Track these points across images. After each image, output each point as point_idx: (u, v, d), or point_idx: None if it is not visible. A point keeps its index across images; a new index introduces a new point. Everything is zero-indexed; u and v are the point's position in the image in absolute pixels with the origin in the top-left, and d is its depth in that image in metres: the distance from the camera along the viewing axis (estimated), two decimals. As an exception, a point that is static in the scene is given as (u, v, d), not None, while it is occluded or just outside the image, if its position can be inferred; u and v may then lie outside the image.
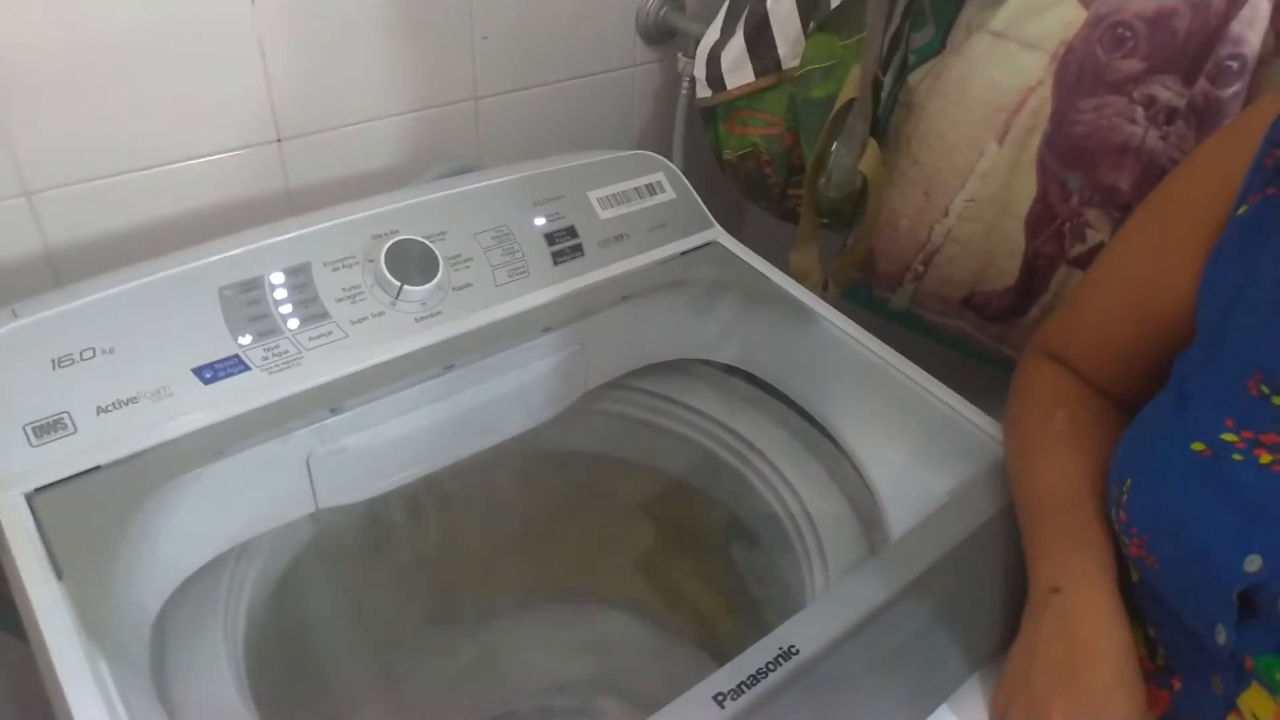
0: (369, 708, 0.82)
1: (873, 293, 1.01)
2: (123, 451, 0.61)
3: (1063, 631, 0.54)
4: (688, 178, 0.92)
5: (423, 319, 0.73)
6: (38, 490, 0.58)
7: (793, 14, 0.95)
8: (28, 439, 0.58)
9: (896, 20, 0.86)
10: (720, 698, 0.52)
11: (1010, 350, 0.95)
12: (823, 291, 0.94)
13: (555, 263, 0.80)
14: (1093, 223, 0.82)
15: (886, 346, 0.80)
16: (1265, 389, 0.50)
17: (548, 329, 0.78)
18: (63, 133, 0.80)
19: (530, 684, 0.96)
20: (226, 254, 0.69)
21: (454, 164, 0.92)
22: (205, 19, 0.83)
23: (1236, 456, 0.50)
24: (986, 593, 0.61)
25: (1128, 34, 0.76)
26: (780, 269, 0.89)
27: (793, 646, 0.55)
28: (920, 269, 0.93)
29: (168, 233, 0.89)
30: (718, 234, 0.91)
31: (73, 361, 0.61)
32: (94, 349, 0.62)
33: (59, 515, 0.57)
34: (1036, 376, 0.70)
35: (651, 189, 0.89)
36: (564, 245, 0.81)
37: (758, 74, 0.99)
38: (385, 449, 0.71)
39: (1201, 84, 0.74)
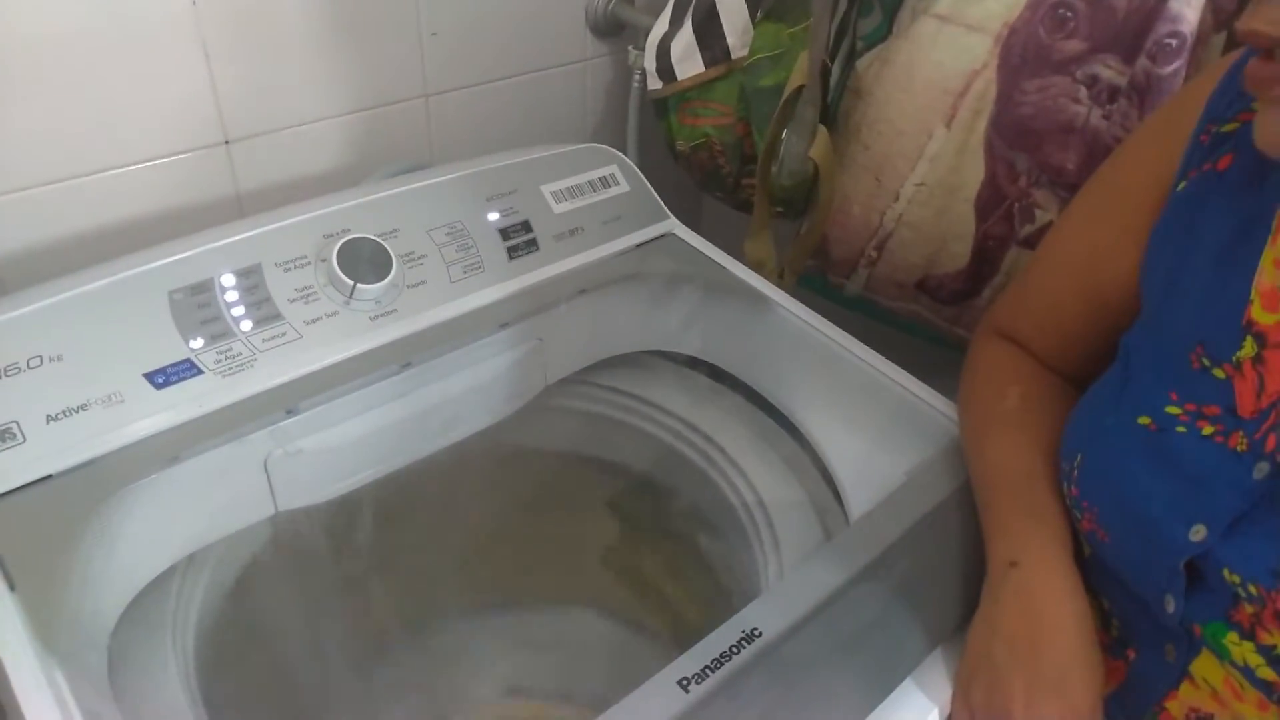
0: (326, 716, 0.81)
1: (828, 279, 1.02)
2: (74, 460, 0.60)
3: (1021, 605, 0.55)
4: (642, 170, 0.92)
5: (377, 318, 0.73)
6: (-12, 501, 0.57)
7: (740, 3, 0.96)
8: (-25, 450, 0.57)
9: (843, 6, 0.86)
10: (685, 682, 0.52)
11: (965, 332, 0.96)
12: (778, 280, 0.95)
13: (510, 258, 0.80)
14: (1041, 203, 0.83)
15: (843, 332, 0.81)
16: (1206, 361, 0.51)
17: (505, 324, 0.78)
18: (1, 138, 0.78)
19: (489, 687, 0.95)
20: (176, 257, 0.68)
21: (405, 162, 0.91)
22: (146, 19, 0.81)
23: (1180, 429, 0.51)
24: (946, 569, 0.62)
25: (1069, 14, 0.77)
26: (737, 259, 0.89)
27: (756, 629, 0.55)
28: (874, 254, 0.93)
29: (117, 239, 0.88)
30: (673, 226, 0.91)
31: (20, 370, 0.60)
32: (41, 357, 0.61)
33: (10, 526, 0.56)
34: (989, 355, 0.70)
35: (605, 182, 0.89)
36: (519, 240, 0.81)
37: (707, 64, 0.99)
38: (344, 449, 0.71)
39: (1142, 62, 0.75)
